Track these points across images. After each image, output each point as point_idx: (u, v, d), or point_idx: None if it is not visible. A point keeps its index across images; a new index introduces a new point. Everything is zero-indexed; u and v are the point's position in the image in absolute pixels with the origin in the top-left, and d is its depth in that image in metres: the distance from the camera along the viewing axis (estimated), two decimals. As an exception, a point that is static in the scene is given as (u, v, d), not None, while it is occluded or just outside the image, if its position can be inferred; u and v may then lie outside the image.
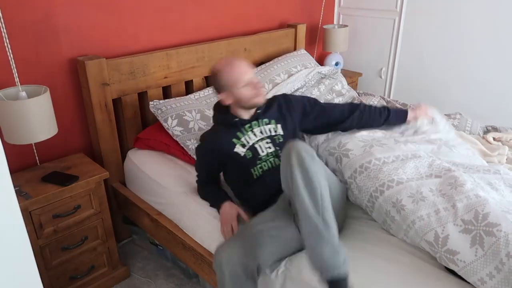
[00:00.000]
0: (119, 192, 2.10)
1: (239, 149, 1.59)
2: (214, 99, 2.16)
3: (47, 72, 1.88)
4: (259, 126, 1.63)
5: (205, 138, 1.67)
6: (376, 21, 3.12)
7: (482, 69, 2.71)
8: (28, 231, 0.96)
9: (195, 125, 2.00)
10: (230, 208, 1.58)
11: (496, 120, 2.60)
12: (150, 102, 2.02)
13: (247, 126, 1.62)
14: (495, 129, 2.10)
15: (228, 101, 1.59)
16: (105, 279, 1.98)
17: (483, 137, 1.98)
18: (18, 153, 1.86)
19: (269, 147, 1.60)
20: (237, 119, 1.61)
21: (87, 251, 1.88)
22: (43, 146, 1.91)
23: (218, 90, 1.60)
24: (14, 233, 0.87)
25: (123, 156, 2.16)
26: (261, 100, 1.59)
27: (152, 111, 2.02)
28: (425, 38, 2.90)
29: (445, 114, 2.25)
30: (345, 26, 3.11)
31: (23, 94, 1.63)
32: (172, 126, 1.95)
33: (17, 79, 1.65)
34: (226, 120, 1.63)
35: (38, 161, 1.92)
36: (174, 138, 1.96)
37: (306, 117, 1.76)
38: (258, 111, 1.64)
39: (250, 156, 1.58)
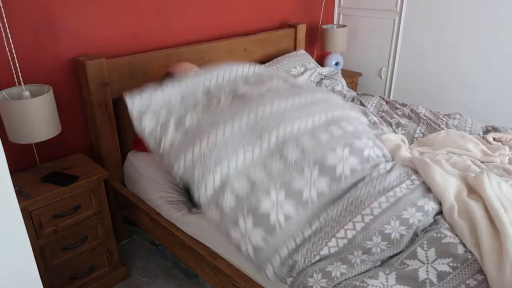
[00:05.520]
0: (119, 192, 2.10)
1: None
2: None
3: (48, 72, 1.88)
4: None
5: None
6: (376, 21, 3.12)
7: (482, 69, 2.71)
8: (28, 231, 0.96)
9: None
10: None
11: (496, 120, 2.60)
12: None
13: None
14: (495, 129, 2.10)
15: None
16: (105, 279, 1.98)
17: (483, 137, 1.98)
18: (18, 153, 1.86)
19: None
20: None
21: (87, 251, 1.88)
22: (43, 146, 1.91)
23: None
24: (14, 233, 0.87)
25: (123, 156, 2.16)
26: None
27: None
28: (425, 38, 2.90)
29: (445, 114, 2.25)
30: (344, 26, 3.11)
31: (27, 93, 1.63)
32: None
33: (20, 79, 1.65)
34: None
35: (38, 161, 1.92)
36: None
37: None
38: None
39: None
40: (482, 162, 1.74)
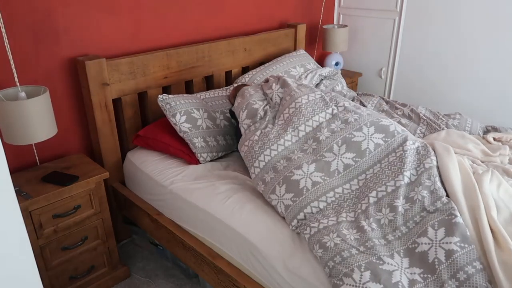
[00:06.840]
0: (119, 192, 2.11)
1: None
2: (218, 102, 2.18)
3: (47, 72, 1.88)
4: None
5: None
6: (376, 21, 3.12)
7: (482, 69, 2.71)
8: (28, 231, 0.96)
9: (203, 123, 2.00)
10: None
11: (496, 120, 2.60)
12: (159, 96, 1.99)
13: None
14: (495, 129, 2.09)
15: None
16: (105, 279, 1.98)
17: (483, 137, 1.98)
18: (18, 153, 1.86)
19: None
20: None
21: (87, 251, 1.88)
22: (43, 146, 1.91)
23: None
24: (14, 233, 0.87)
25: (123, 156, 2.16)
26: None
27: (160, 105, 1.98)
28: (425, 38, 2.90)
29: (445, 114, 2.25)
30: (345, 26, 3.11)
31: (23, 94, 1.63)
32: (180, 122, 1.94)
33: (16, 80, 1.65)
34: None
35: (38, 161, 1.92)
36: (181, 134, 1.95)
37: None
38: None
39: None
40: (482, 162, 1.74)
